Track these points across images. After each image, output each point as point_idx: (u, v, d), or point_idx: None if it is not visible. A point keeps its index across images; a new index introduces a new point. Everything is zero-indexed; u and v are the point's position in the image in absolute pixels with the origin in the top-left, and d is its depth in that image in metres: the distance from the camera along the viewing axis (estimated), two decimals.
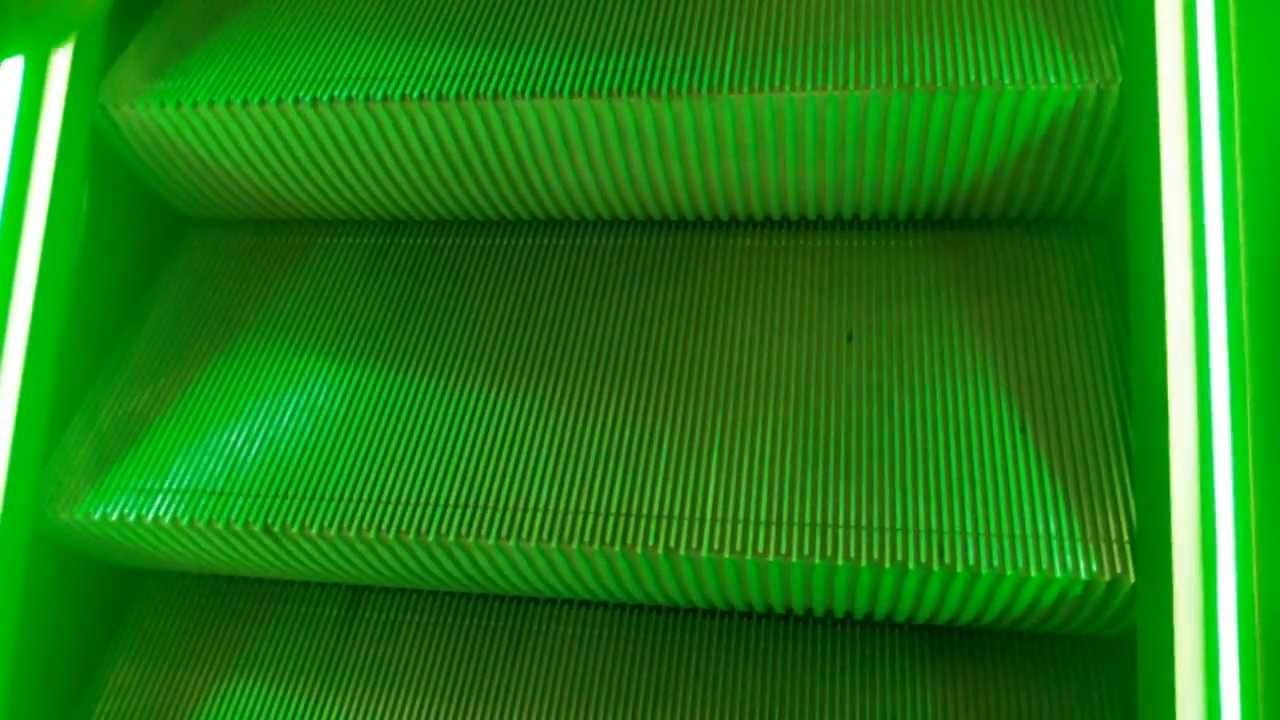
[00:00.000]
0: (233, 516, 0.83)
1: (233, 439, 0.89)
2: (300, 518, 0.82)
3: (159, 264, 1.06)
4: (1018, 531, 0.71)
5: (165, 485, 0.86)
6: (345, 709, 0.89)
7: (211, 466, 0.87)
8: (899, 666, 0.82)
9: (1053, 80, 0.75)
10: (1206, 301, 0.62)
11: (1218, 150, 0.65)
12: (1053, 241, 0.87)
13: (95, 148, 0.96)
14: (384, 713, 0.88)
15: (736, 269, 0.91)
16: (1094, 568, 0.68)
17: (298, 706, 0.90)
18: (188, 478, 0.87)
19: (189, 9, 1.02)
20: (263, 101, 0.89)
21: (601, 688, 0.86)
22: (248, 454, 0.87)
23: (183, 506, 0.85)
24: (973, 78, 0.76)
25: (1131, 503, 0.70)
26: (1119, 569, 0.68)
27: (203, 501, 0.85)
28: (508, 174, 0.93)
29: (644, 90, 0.82)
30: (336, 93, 0.88)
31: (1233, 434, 0.59)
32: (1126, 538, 0.69)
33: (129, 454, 0.89)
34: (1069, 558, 0.69)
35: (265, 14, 0.99)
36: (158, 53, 0.98)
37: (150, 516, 0.84)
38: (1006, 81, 0.76)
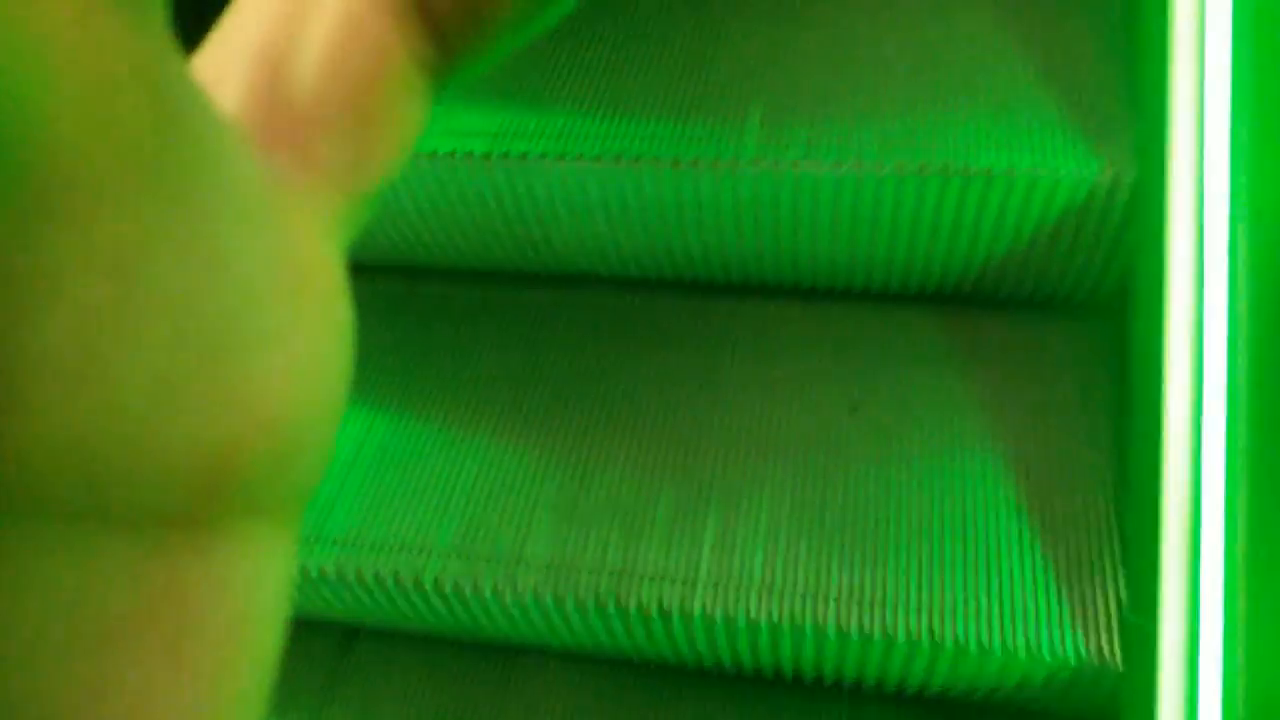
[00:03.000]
0: None
1: None
2: (299, 556, 0.83)
3: None
4: (1008, 609, 0.71)
5: None
6: None
7: None
8: None
9: (1067, 170, 0.76)
10: (1203, 392, 0.63)
11: (1225, 248, 0.66)
12: (1059, 324, 0.88)
13: None
14: None
15: (745, 334, 0.93)
16: (1083, 651, 0.69)
17: None
18: None
19: None
20: None
21: None
22: None
23: None
24: (987, 163, 0.78)
25: (1122, 587, 0.71)
26: (1106, 653, 0.68)
27: None
28: (526, 230, 0.95)
29: (665, 158, 0.84)
30: None
31: (1225, 523, 0.60)
32: (1115, 622, 0.69)
33: None
34: (1058, 638, 0.69)
35: None
36: None
37: None
38: (1021, 169, 0.77)
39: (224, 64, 0.17)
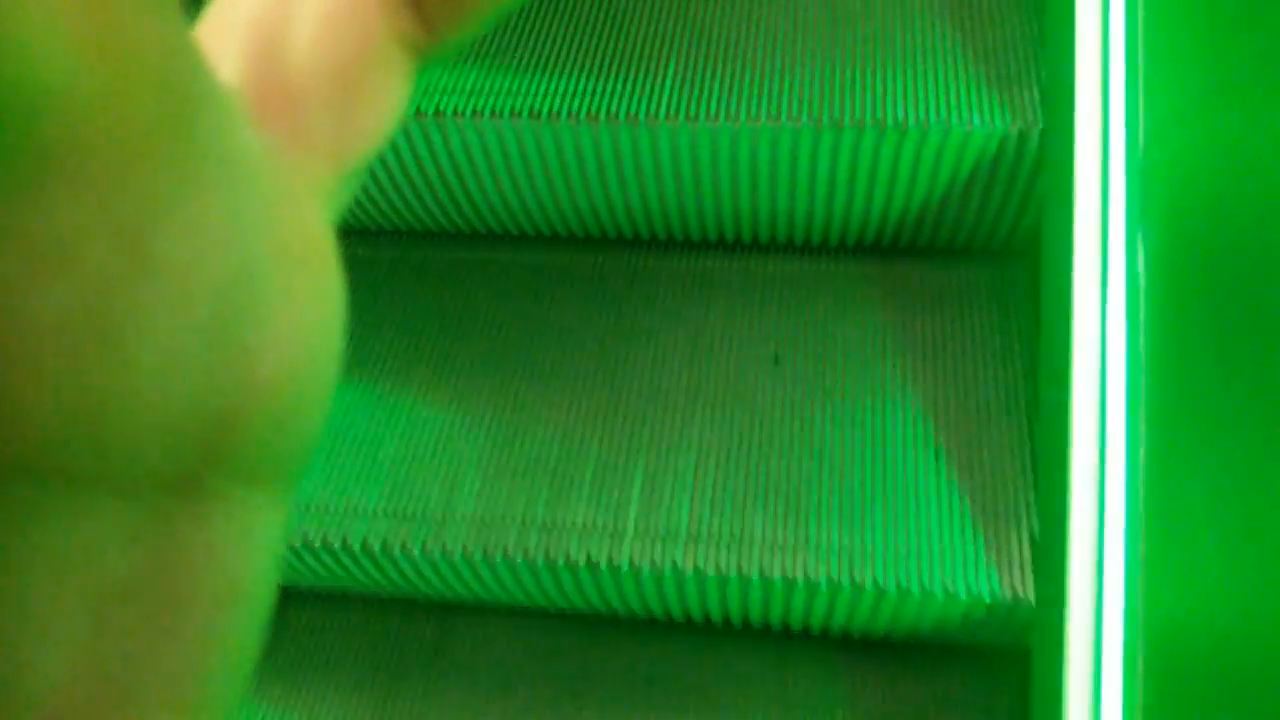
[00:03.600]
0: None
1: None
2: None
3: None
4: (925, 550, 0.73)
5: None
6: (266, 709, 0.89)
7: None
8: (811, 675, 0.85)
9: (977, 122, 0.78)
10: (1106, 335, 0.66)
11: (1124, 194, 0.68)
12: (977, 272, 0.90)
13: None
14: (304, 713, 0.89)
15: (668, 288, 0.93)
16: (997, 590, 0.71)
17: None
18: None
19: None
20: None
21: (525, 690, 0.87)
22: None
23: None
24: (900, 117, 0.79)
25: (1034, 526, 0.73)
26: (1020, 590, 0.71)
27: None
28: (448, 189, 0.94)
29: (582, 114, 0.84)
30: None
31: (1127, 460, 0.62)
32: (1029, 559, 0.72)
33: None
34: (973, 578, 0.72)
35: None
36: None
37: None
38: (934, 122, 0.78)
39: (219, 38, 0.17)
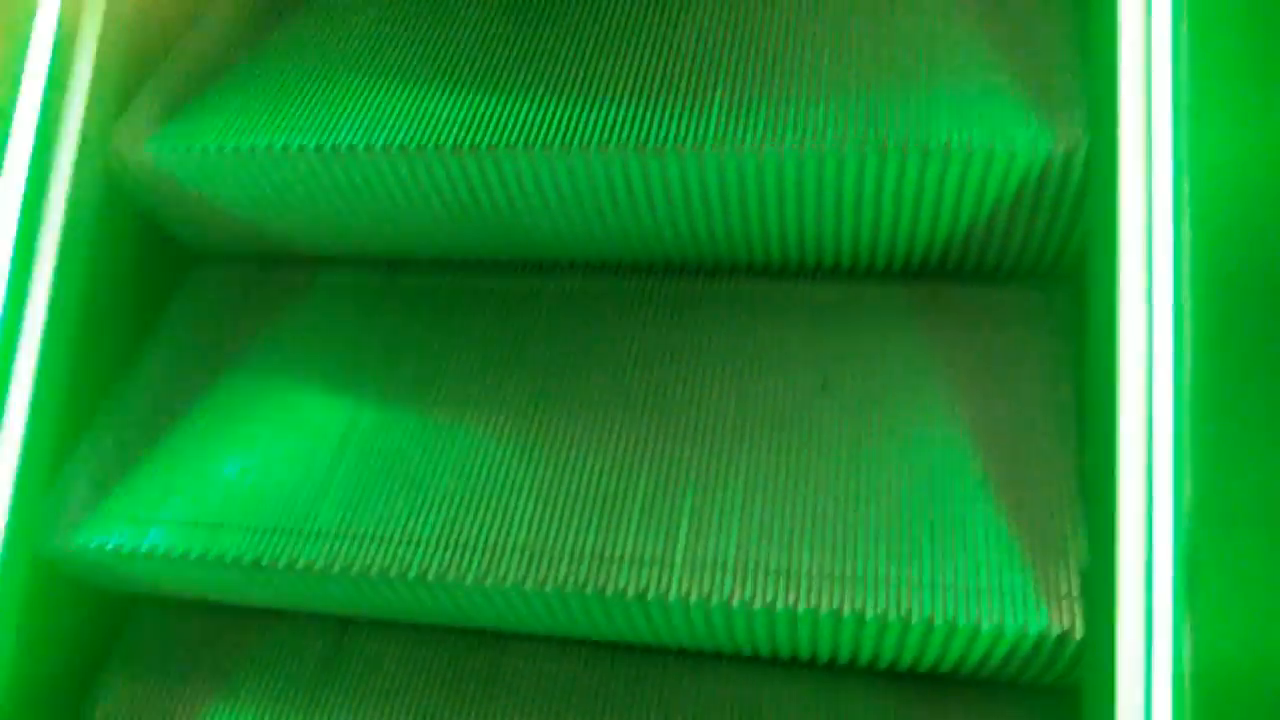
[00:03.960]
0: (224, 549, 0.86)
1: (229, 472, 0.92)
2: (288, 552, 0.85)
3: (166, 299, 1.09)
4: (973, 585, 0.73)
5: (161, 516, 0.89)
6: None
7: (206, 499, 0.90)
8: (861, 708, 0.84)
9: (1022, 145, 0.77)
10: (1153, 363, 0.64)
11: (1170, 214, 0.67)
12: (1026, 295, 0.89)
13: (108, 187, 1.00)
14: None
15: (718, 314, 0.94)
16: (1044, 623, 0.70)
17: None
18: (183, 510, 0.90)
19: (200, 55, 1.05)
20: (269, 148, 0.92)
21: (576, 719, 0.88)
22: (241, 487, 0.90)
23: (176, 538, 0.88)
24: (944, 139, 0.78)
25: (1083, 558, 0.72)
26: (1068, 625, 0.70)
27: (196, 534, 0.88)
28: (500, 219, 0.95)
29: (631, 143, 0.84)
30: (338, 141, 0.91)
31: (1174, 490, 0.61)
32: (1075, 594, 0.71)
33: (128, 484, 0.93)
34: (1021, 613, 0.71)
35: (273, 59, 1.02)
36: (169, 97, 1.01)
37: (144, 547, 0.87)
38: (978, 144, 0.78)
39: None
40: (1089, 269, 0.79)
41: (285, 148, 0.92)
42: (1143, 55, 0.70)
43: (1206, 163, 0.64)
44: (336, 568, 0.83)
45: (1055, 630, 0.70)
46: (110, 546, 0.88)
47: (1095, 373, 0.75)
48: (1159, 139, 0.68)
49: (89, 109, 0.97)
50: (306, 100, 0.96)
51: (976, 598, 0.72)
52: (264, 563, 0.85)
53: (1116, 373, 0.67)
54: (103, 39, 0.98)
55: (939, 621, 0.71)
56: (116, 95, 1.01)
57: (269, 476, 0.90)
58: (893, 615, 0.72)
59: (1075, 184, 0.78)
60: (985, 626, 0.71)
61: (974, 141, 0.78)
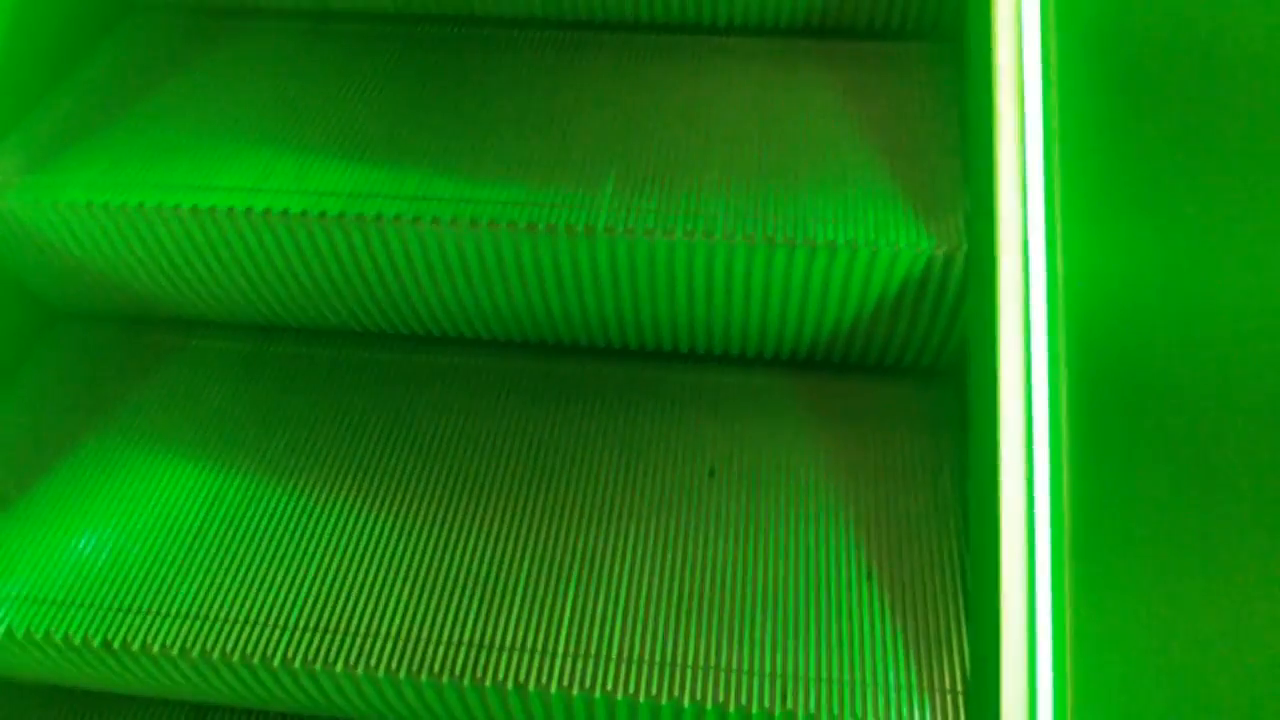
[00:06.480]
0: (72, 629, 0.81)
1: (81, 544, 0.86)
2: (142, 634, 0.80)
3: (24, 354, 1.03)
4: (858, 679, 0.73)
5: (5, 592, 0.83)
6: None
7: (55, 573, 0.84)
8: None
9: (905, 244, 0.79)
10: (1033, 459, 0.66)
11: (1044, 313, 0.70)
12: (908, 389, 0.91)
13: None
14: None
15: (606, 396, 0.93)
16: (927, 719, 0.71)
17: None
18: (29, 585, 0.84)
19: (72, 108, 1.01)
20: (140, 206, 0.89)
21: None
22: (95, 562, 0.85)
23: (19, 615, 0.82)
24: (830, 235, 0.80)
25: (966, 654, 0.73)
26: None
27: (42, 611, 0.82)
28: (386, 291, 0.94)
29: (521, 223, 0.84)
30: (216, 202, 0.88)
31: (1051, 583, 0.63)
32: (960, 688, 0.72)
33: None
34: (905, 707, 0.71)
35: (150, 117, 0.99)
36: (34, 147, 0.97)
37: None
38: (862, 242, 0.80)
39: None
40: (970, 366, 0.82)
41: (159, 207, 0.88)
42: (1018, 163, 0.73)
43: (1081, 264, 0.67)
44: (195, 651, 0.79)
45: None
46: None
47: (978, 469, 0.77)
48: (1033, 241, 0.71)
49: None
50: (186, 159, 0.93)
51: (862, 692, 0.72)
52: (115, 644, 0.80)
53: (998, 468, 0.69)
54: None
55: (825, 717, 0.71)
56: None
57: (125, 552, 0.85)
58: (779, 711, 0.72)
59: (955, 284, 0.81)
60: None
61: (859, 239, 0.80)
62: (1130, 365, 0.60)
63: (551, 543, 0.83)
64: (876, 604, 0.77)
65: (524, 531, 0.84)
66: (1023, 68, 0.74)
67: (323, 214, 0.86)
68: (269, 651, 0.78)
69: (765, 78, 0.96)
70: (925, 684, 0.73)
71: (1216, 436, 0.47)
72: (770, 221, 0.82)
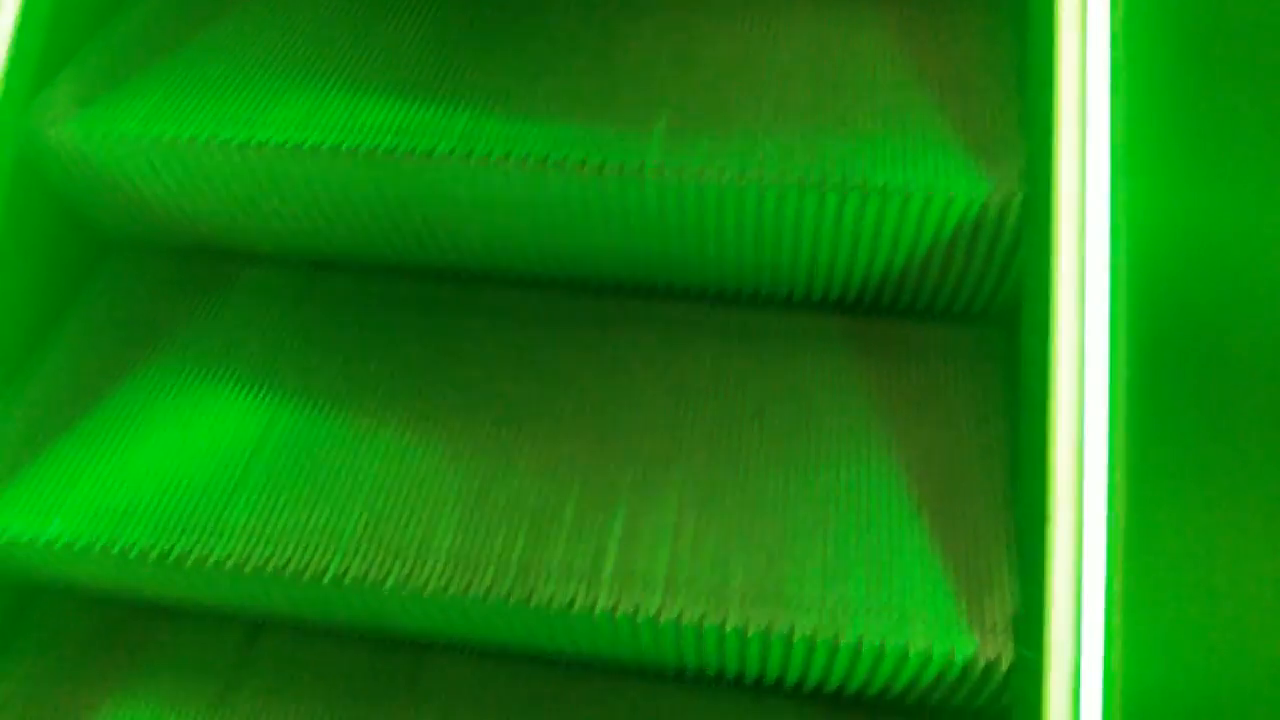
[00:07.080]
0: (131, 542, 0.83)
1: (140, 464, 0.88)
2: (198, 549, 0.82)
3: (79, 283, 1.05)
4: (902, 608, 0.74)
5: (65, 507, 0.86)
6: None
7: (116, 489, 0.87)
8: None
9: (960, 189, 0.80)
10: (1085, 404, 0.67)
11: (1106, 264, 0.70)
12: (959, 333, 0.91)
13: (20, 165, 0.96)
14: None
15: (653, 335, 0.94)
16: (974, 649, 0.72)
17: None
18: (89, 500, 0.86)
19: (129, 39, 1.02)
20: (192, 139, 0.89)
21: None
22: (151, 480, 0.87)
23: (81, 529, 0.84)
24: (883, 179, 0.81)
25: (1013, 589, 0.75)
26: (994, 653, 0.72)
27: (102, 524, 0.84)
28: (434, 229, 0.95)
29: (571, 161, 0.84)
30: (268, 137, 0.89)
31: (1107, 526, 0.64)
32: (1005, 624, 0.73)
33: (32, 472, 0.88)
34: (951, 638, 0.73)
35: (208, 50, 1.00)
36: (93, 78, 0.98)
37: (46, 538, 0.84)
38: (916, 186, 0.80)
39: None
40: (1024, 313, 0.82)
41: (211, 140, 0.89)
42: (1079, 110, 0.74)
43: (1138, 220, 0.68)
44: (249, 567, 0.81)
45: (985, 657, 0.72)
46: (8, 538, 0.84)
47: (1029, 412, 0.77)
48: (1094, 192, 0.71)
49: (5, 84, 0.93)
50: (239, 93, 0.94)
51: (906, 622, 0.74)
52: (171, 559, 0.82)
53: (1050, 414, 0.69)
54: (24, 12, 0.95)
55: (867, 645, 0.73)
56: (35, 72, 0.97)
57: (181, 471, 0.87)
58: (821, 637, 0.73)
59: (1010, 231, 0.81)
60: (914, 651, 0.72)
61: (912, 184, 0.81)
62: (1189, 317, 0.61)
63: (599, 474, 0.84)
64: (923, 539, 0.78)
65: (571, 461, 0.85)
66: (1086, 11, 0.74)
67: (373, 150, 0.87)
68: (320, 568, 0.80)
69: (820, 17, 0.96)
70: (969, 616, 0.74)
71: (1276, 387, 0.48)
72: (821, 163, 0.83)
